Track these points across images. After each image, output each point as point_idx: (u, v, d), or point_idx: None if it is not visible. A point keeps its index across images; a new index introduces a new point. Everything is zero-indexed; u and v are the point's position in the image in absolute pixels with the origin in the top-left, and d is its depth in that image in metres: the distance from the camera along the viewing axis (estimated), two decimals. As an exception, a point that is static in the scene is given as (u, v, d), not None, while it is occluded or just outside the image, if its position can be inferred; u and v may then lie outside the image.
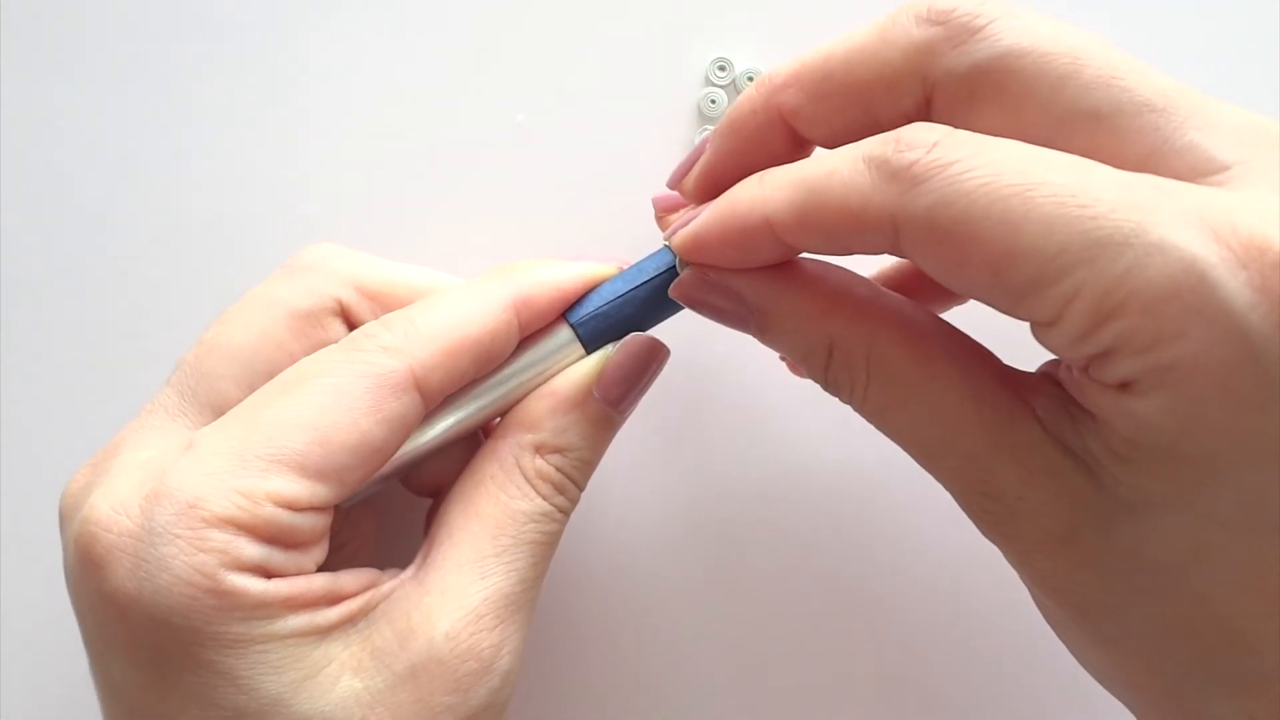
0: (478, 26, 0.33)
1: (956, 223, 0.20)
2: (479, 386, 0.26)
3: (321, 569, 0.25)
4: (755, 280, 0.24)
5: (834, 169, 0.22)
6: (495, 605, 0.24)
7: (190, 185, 0.34)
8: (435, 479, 0.29)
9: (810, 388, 0.26)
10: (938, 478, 0.23)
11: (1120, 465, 0.20)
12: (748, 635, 0.33)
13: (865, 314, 0.23)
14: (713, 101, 0.32)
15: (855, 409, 0.24)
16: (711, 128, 0.32)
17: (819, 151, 0.24)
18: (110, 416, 0.33)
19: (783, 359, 0.30)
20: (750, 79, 0.32)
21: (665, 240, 0.26)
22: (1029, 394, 0.22)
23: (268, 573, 0.23)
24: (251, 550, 0.22)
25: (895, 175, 0.20)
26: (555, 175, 0.33)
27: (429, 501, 0.29)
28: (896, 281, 0.29)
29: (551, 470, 0.26)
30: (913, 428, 0.23)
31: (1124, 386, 0.19)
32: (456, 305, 0.25)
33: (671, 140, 0.33)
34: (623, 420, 0.27)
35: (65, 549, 0.24)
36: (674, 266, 0.26)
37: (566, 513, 0.26)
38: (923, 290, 0.28)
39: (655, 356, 0.27)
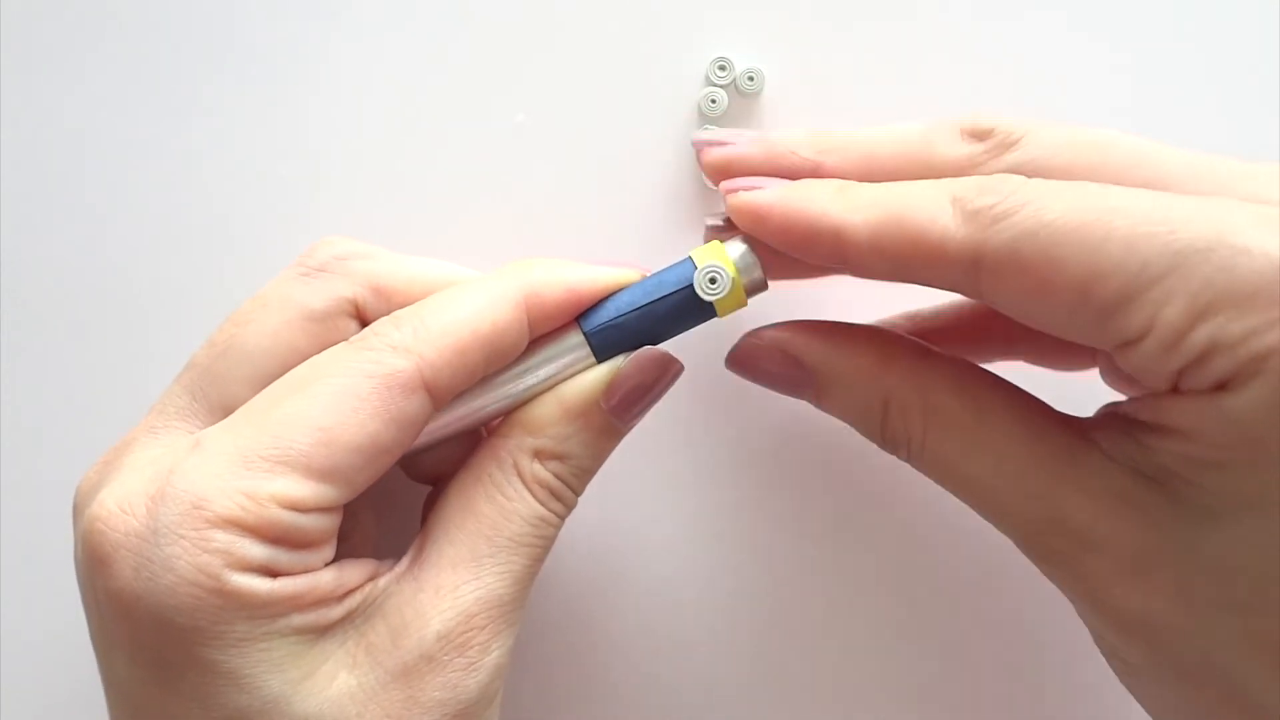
0: (477, 26, 0.33)
1: (1040, 250, 0.21)
2: (486, 383, 0.26)
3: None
4: (811, 341, 0.25)
5: (916, 200, 0.23)
6: (487, 605, 0.24)
7: (189, 185, 0.33)
8: (435, 467, 0.29)
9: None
10: (1001, 524, 0.23)
11: (1206, 472, 0.21)
12: (756, 636, 0.33)
13: (919, 368, 0.24)
14: (713, 101, 0.32)
15: (915, 464, 0.24)
16: (712, 128, 0.32)
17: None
18: (115, 416, 0.33)
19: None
20: (750, 79, 0.32)
21: (716, 187, 0.26)
22: (1087, 431, 0.23)
23: (274, 572, 0.23)
24: (256, 551, 0.22)
25: (977, 213, 0.22)
26: (555, 175, 0.33)
27: (426, 489, 0.30)
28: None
29: (550, 477, 0.26)
30: (973, 474, 0.23)
31: (1219, 387, 0.20)
32: (467, 302, 0.25)
33: (671, 140, 0.33)
34: (628, 430, 0.27)
35: (75, 544, 0.24)
36: (692, 284, 0.26)
37: (562, 517, 0.26)
38: (960, 343, 0.29)
39: (667, 372, 0.27)
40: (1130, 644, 0.22)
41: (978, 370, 0.24)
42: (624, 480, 0.33)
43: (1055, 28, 0.33)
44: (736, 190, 0.25)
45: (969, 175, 0.24)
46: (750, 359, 0.26)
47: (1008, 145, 0.24)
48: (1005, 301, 0.22)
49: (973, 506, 0.24)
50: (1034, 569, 0.24)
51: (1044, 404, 0.24)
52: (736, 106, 0.33)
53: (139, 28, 0.34)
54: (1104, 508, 0.22)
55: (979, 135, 0.25)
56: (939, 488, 0.24)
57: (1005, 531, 0.24)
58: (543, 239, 0.33)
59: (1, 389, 0.34)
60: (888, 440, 0.25)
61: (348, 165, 0.33)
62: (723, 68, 0.32)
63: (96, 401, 0.33)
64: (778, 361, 0.25)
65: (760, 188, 0.25)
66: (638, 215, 0.33)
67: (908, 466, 0.25)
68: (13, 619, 0.33)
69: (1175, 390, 0.21)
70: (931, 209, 0.22)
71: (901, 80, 0.33)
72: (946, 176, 0.24)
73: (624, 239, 0.33)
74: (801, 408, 0.29)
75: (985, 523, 0.24)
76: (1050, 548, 0.23)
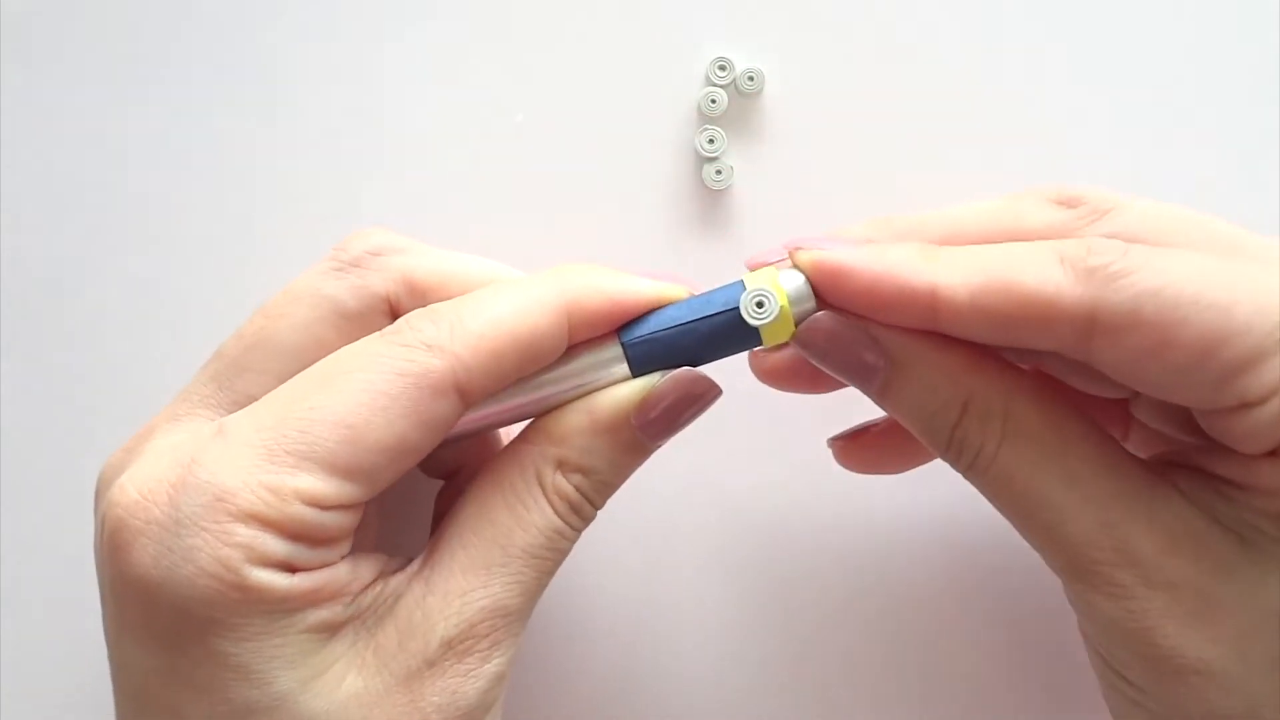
0: (477, 26, 0.33)
1: (1163, 309, 0.21)
2: (517, 386, 0.25)
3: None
4: (897, 330, 0.24)
5: (1021, 259, 0.22)
6: (493, 614, 0.24)
7: (188, 186, 0.34)
8: (450, 462, 0.28)
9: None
10: (1056, 547, 0.23)
11: None
12: (759, 652, 0.33)
13: (1005, 375, 0.24)
14: (713, 101, 0.32)
15: (977, 471, 0.24)
16: (712, 128, 0.32)
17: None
18: (116, 415, 0.33)
19: (837, 443, 0.29)
20: (750, 79, 0.32)
21: (788, 252, 0.25)
22: (1165, 474, 0.23)
23: (293, 568, 0.23)
24: (277, 546, 0.22)
25: (1093, 271, 0.22)
26: (555, 175, 0.33)
27: (433, 481, 0.29)
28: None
29: (570, 489, 0.25)
30: (1043, 491, 0.23)
31: None
32: (508, 303, 0.24)
33: (671, 140, 0.33)
34: (655, 449, 0.26)
35: (95, 529, 0.24)
36: (738, 307, 0.24)
37: (579, 530, 0.26)
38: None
39: (704, 396, 0.25)
40: (1169, 687, 0.22)
41: (1060, 394, 0.24)
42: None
43: (1056, 28, 0.33)
44: (808, 248, 0.24)
45: (1062, 238, 0.24)
46: (826, 336, 0.24)
47: (1101, 213, 0.24)
48: (1116, 361, 0.22)
49: (1027, 526, 0.24)
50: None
51: (1119, 443, 0.24)
52: (736, 106, 0.33)
53: (138, 28, 0.34)
54: (1178, 547, 0.22)
55: (1069, 203, 0.25)
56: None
57: (1056, 555, 0.23)
58: (542, 239, 0.33)
59: (1, 388, 0.34)
60: (954, 444, 0.24)
61: (347, 166, 0.33)
62: (723, 68, 0.32)
63: (96, 401, 0.33)
64: (857, 341, 0.24)
65: (829, 247, 0.24)
66: (637, 215, 0.33)
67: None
68: (13, 618, 0.33)
69: (1274, 454, 0.21)
70: (1040, 268, 0.22)
71: (901, 80, 0.33)
72: (1034, 236, 0.24)
73: (623, 239, 0.33)
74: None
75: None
76: (1109, 578, 0.22)
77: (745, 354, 0.26)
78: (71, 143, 0.34)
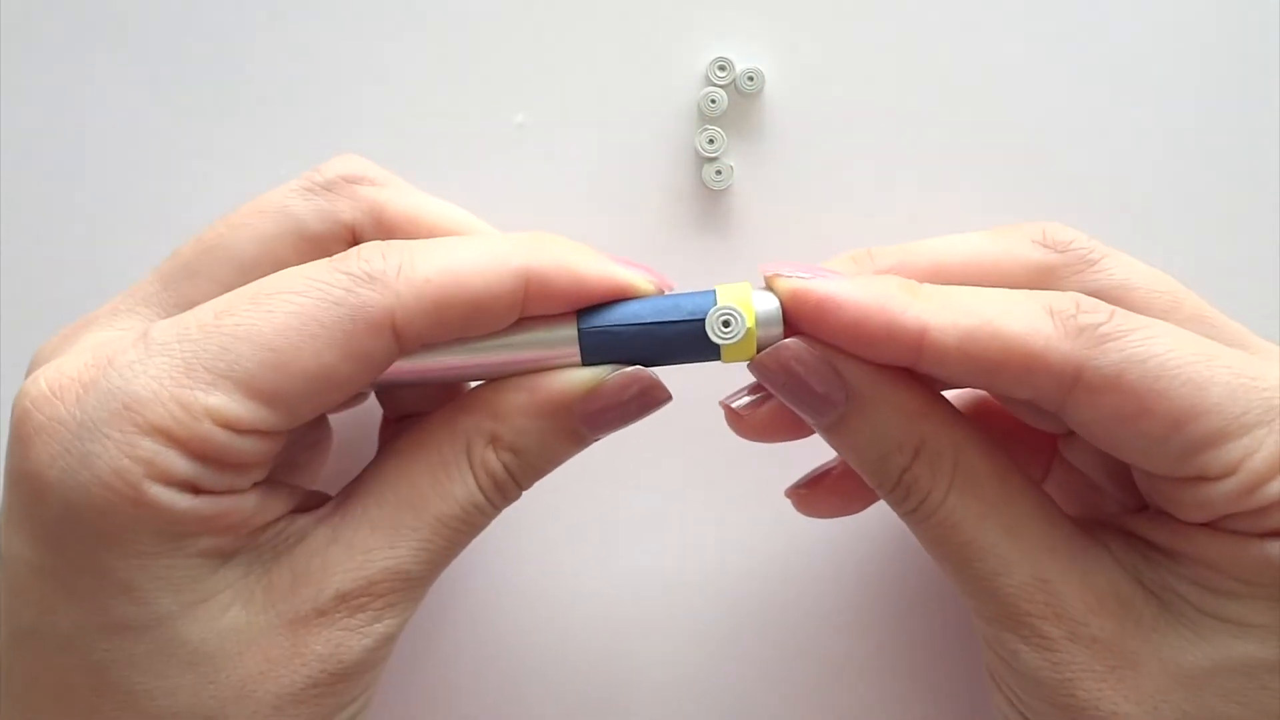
0: (477, 26, 0.33)
1: (1145, 378, 0.22)
2: (462, 345, 0.24)
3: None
4: (860, 364, 0.23)
5: (1010, 307, 0.23)
6: (394, 575, 0.23)
7: (186, 187, 0.34)
8: (406, 404, 0.28)
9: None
10: (989, 596, 0.24)
11: (1213, 598, 0.22)
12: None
13: (956, 422, 0.24)
14: (713, 101, 0.32)
15: (920, 515, 0.24)
16: (712, 128, 0.32)
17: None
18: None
19: (798, 493, 0.29)
20: (750, 79, 0.32)
21: (766, 275, 0.24)
22: (1097, 534, 0.24)
23: (196, 489, 0.22)
24: (180, 465, 0.21)
25: (1083, 330, 0.22)
26: (555, 175, 0.33)
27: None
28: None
29: (499, 467, 0.24)
30: (984, 542, 0.23)
31: (1273, 534, 0.22)
32: (464, 254, 0.23)
33: (671, 140, 0.33)
34: (592, 442, 0.25)
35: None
36: (704, 318, 0.24)
37: (499, 508, 0.25)
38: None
39: (654, 400, 0.25)
40: None
41: (1003, 447, 0.25)
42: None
43: (1056, 28, 0.33)
44: (788, 274, 0.24)
45: (1047, 283, 0.25)
46: (789, 364, 0.24)
47: (1089, 262, 0.25)
48: (1091, 419, 0.22)
49: (962, 574, 0.24)
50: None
51: (1055, 501, 0.25)
52: (736, 106, 0.33)
53: (136, 29, 0.34)
54: (1104, 606, 0.23)
55: (1055, 246, 0.25)
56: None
57: (987, 603, 0.24)
58: (543, 239, 0.33)
59: (2, 388, 0.34)
60: (902, 486, 0.24)
61: (348, 165, 0.33)
62: (723, 68, 0.32)
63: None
64: (819, 372, 0.23)
65: (814, 276, 0.23)
66: (637, 215, 0.33)
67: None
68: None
69: (1210, 526, 0.22)
70: (1029, 319, 0.22)
71: (901, 80, 0.33)
72: (1021, 279, 0.24)
73: (623, 239, 0.33)
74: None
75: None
76: (1037, 630, 0.23)
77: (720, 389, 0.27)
78: (69, 134, 0.34)
